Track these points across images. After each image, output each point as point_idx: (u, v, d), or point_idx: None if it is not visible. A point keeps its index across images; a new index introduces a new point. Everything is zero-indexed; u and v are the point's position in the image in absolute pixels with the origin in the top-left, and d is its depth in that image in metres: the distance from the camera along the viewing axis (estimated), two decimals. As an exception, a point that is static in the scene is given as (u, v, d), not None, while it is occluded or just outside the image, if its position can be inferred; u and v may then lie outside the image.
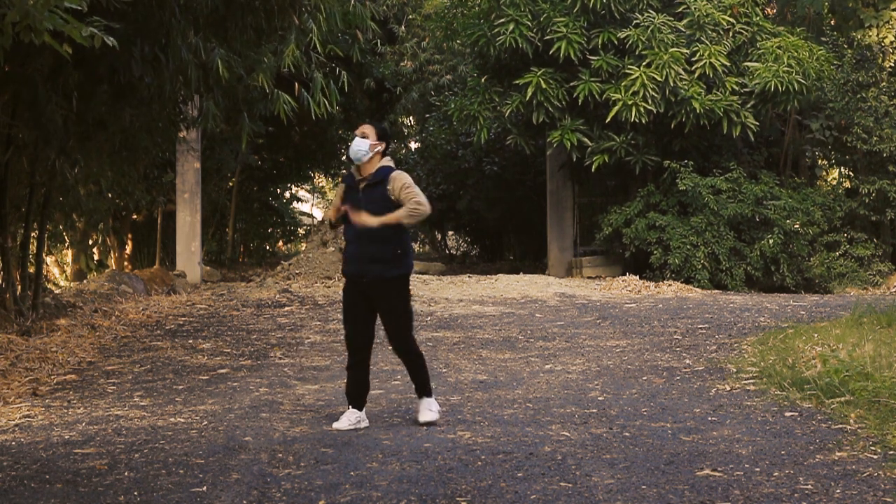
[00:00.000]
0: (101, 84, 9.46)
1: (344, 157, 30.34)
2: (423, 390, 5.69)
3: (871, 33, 16.97)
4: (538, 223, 20.57)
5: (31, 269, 11.21)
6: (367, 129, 5.63)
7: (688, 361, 7.67)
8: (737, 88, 15.54)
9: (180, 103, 11.62)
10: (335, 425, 5.55)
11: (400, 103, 24.31)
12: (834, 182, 17.70)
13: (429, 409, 5.64)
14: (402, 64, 23.87)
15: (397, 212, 5.43)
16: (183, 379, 7.43)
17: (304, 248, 20.45)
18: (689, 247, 15.05)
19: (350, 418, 5.56)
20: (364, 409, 5.65)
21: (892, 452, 4.63)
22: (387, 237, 5.45)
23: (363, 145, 5.55)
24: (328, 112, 12.64)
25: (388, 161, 5.64)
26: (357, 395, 5.62)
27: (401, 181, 5.48)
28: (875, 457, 4.58)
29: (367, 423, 5.61)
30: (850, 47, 16.98)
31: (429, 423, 5.56)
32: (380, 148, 5.60)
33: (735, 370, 7.08)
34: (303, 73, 12.04)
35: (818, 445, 4.86)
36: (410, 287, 5.71)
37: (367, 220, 5.39)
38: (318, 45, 11.72)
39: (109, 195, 15.61)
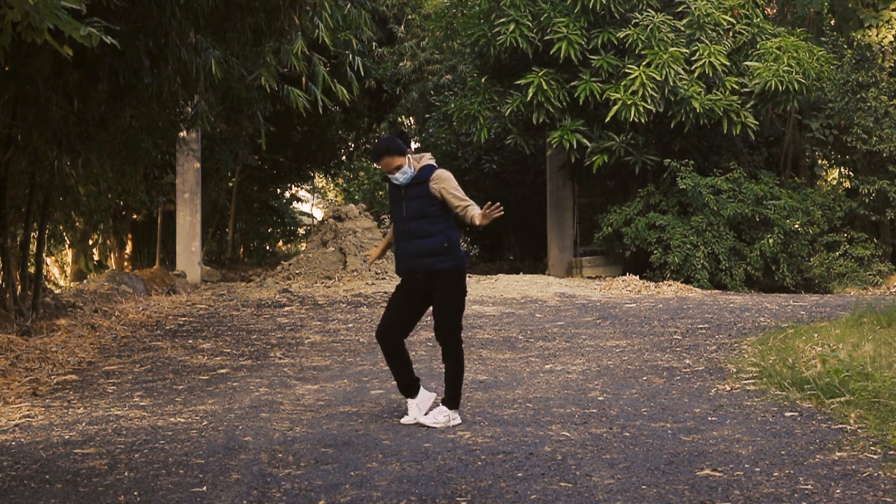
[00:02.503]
0: (101, 84, 9.47)
1: (344, 157, 30.42)
2: (447, 398, 5.60)
3: (870, 33, 16.98)
4: (538, 223, 20.57)
5: (31, 269, 11.22)
6: (394, 160, 5.52)
7: (688, 361, 7.67)
8: (737, 88, 15.55)
9: (181, 101, 11.64)
10: (402, 420, 5.63)
11: (400, 103, 24.31)
12: (834, 182, 17.71)
13: (436, 416, 5.54)
14: (401, 64, 23.87)
15: (477, 210, 5.42)
16: (183, 379, 7.43)
17: (304, 248, 20.45)
18: (689, 246, 15.06)
19: (411, 412, 5.62)
20: (421, 392, 5.66)
21: (892, 452, 4.62)
22: (433, 231, 5.50)
23: (406, 174, 5.56)
24: (351, 97, 12.71)
25: (427, 159, 5.66)
26: (405, 385, 5.65)
27: (446, 181, 5.51)
28: (875, 457, 4.58)
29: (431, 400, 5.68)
30: (849, 47, 16.99)
31: (424, 426, 5.50)
32: (412, 158, 5.64)
33: (735, 370, 7.08)
34: (306, 69, 12.07)
35: (818, 445, 4.86)
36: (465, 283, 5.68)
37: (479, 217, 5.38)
38: (322, 41, 11.75)
39: (109, 195, 15.63)
